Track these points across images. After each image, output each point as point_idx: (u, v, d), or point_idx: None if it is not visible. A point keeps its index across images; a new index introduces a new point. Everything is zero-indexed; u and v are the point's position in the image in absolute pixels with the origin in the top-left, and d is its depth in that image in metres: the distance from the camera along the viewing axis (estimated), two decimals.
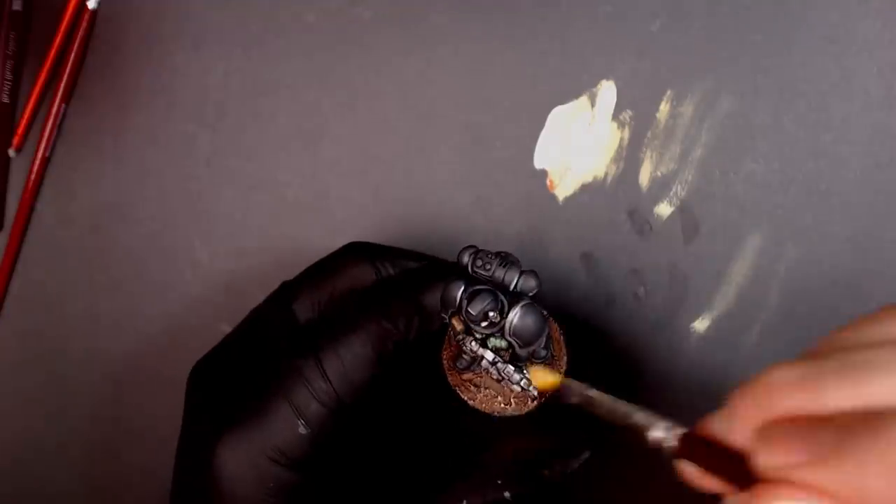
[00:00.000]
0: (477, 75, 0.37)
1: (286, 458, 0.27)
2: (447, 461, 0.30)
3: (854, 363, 0.19)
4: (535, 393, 0.28)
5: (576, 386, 0.25)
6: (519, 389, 0.27)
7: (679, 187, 0.36)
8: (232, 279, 0.40)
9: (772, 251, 0.35)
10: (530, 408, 0.28)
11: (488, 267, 0.26)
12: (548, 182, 0.37)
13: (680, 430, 0.22)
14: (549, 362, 0.29)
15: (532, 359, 0.28)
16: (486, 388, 0.29)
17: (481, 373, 0.29)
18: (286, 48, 0.39)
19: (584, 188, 0.37)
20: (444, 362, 0.29)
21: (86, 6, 0.40)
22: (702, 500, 0.22)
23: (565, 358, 0.29)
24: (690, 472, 0.22)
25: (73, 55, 0.40)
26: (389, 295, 0.29)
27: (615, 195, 0.36)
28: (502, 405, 0.28)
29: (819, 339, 0.21)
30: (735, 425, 0.20)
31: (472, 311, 0.25)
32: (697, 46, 0.36)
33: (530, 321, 0.26)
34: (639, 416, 0.23)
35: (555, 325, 0.30)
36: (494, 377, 0.28)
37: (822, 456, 0.18)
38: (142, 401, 0.41)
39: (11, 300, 0.41)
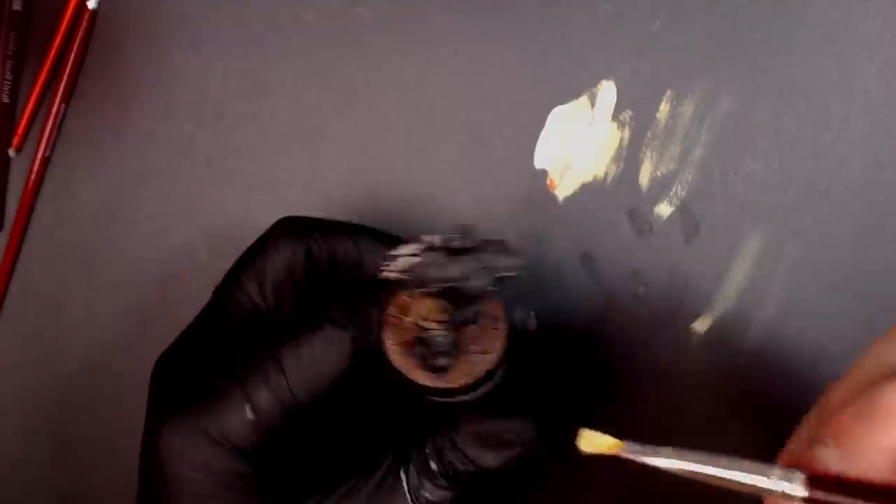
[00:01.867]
0: (477, 75, 0.37)
1: (230, 442, 0.26)
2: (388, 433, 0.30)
3: None
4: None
5: (642, 449, 0.21)
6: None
7: (679, 187, 0.36)
8: None
9: (772, 251, 0.35)
10: (455, 383, 0.27)
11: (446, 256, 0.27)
12: (548, 182, 0.37)
13: (798, 476, 0.19)
14: (475, 334, 0.28)
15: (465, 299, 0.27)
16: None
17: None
18: (286, 48, 0.39)
19: (584, 188, 0.37)
20: (391, 337, 0.28)
21: (86, 6, 0.40)
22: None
23: (499, 344, 0.28)
24: None
25: (73, 55, 0.40)
26: (356, 296, 0.29)
27: (615, 195, 0.36)
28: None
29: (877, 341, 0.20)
30: (862, 464, 0.19)
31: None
32: (697, 46, 0.36)
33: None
34: (743, 467, 0.20)
35: (496, 305, 0.29)
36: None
37: None
38: (142, 401, 0.40)
39: (11, 300, 0.41)
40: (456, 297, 0.27)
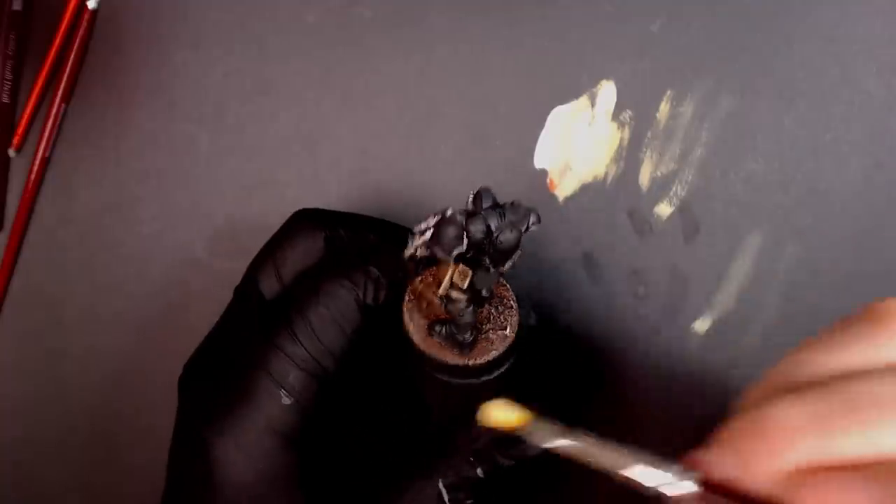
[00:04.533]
0: (477, 75, 0.37)
1: (276, 434, 0.27)
2: (423, 437, 0.30)
3: (859, 404, 0.19)
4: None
5: (548, 428, 0.21)
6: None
7: (679, 187, 0.36)
8: (232, 279, 0.40)
9: (772, 251, 0.35)
10: (466, 362, 0.28)
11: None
12: (548, 182, 0.37)
13: (690, 477, 0.20)
14: (489, 317, 0.29)
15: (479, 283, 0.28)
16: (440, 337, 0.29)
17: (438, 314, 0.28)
18: (286, 48, 0.39)
19: (584, 188, 0.37)
20: (410, 306, 0.29)
21: (86, 6, 0.40)
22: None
23: (515, 321, 0.29)
24: None
25: (73, 55, 0.40)
26: (347, 259, 0.29)
27: (615, 195, 0.36)
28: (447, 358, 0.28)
29: (789, 356, 0.21)
30: (747, 472, 0.19)
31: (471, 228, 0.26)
32: (697, 46, 0.36)
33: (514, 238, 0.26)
34: (640, 462, 0.20)
35: (506, 287, 0.29)
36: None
37: None
38: (142, 401, 0.40)
39: (11, 300, 0.41)
40: (476, 266, 0.27)
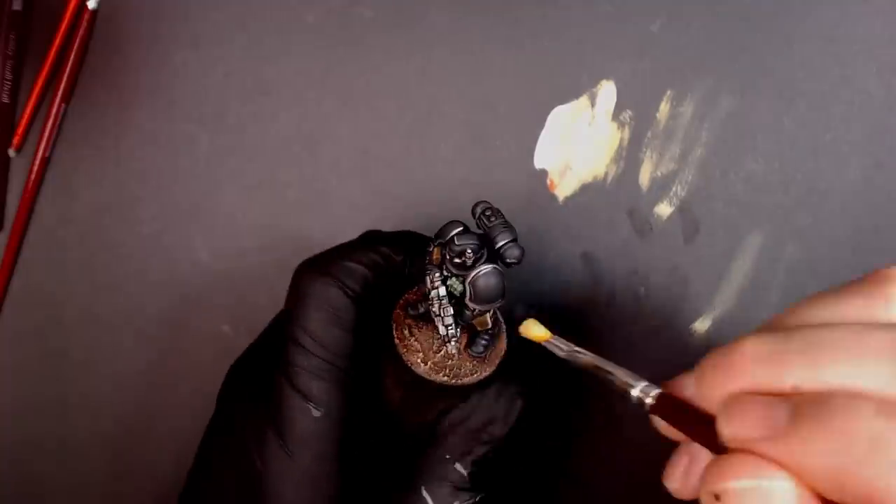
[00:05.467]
0: (477, 75, 0.37)
1: (314, 449, 0.28)
2: (401, 443, 0.31)
3: (815, 344, 0.20)
4: (454, 351, 0.29)
5: (562, 342, 0.27)
6: (443, 333, 0.29)
7: (679, 187, 0.36)
8: (232, 279, 0.40)
9: (772, 251, 0.36)
10: (437, 380, 0.29)
11: (492, 219, 0.28)
12: (548, 182, 0.37)
13: (656, 391, 0.23)
14: (486, 343, 0.30)
15: (471, 323, 0.29)
16: (415, 339, 0.30)
17: (420, 326, 0.30)
18: (286, 48, 0.39)
19: (584, 188, 0.37)
20: (401, 300, 0.31)
21: (86, 6, 0.40)
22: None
23: (502, 352, 0.30)
24: (665, 427, 0.23)
25: (73, 55, 0.40)
26: (319, 259, 0.30)
27: (615, 195, 0.36)
28: (419, 361, 0.29)
29: (791, 306, 0.22)
30: (705, 391, 0.21)
31: (456, 242, 0.27)
32: (697, 46, 0.36)
33: (493, 282, 0.27)
34: (620, 373, 0.24)
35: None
36: (434, 310, 0.29)
37: (776, 431, 0.19)
38: (141, 401, 0.41)
39: (11, 300, 0.41)
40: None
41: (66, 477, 0.41)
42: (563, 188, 0.37)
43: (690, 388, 0.22)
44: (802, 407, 0.19)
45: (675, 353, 0.36)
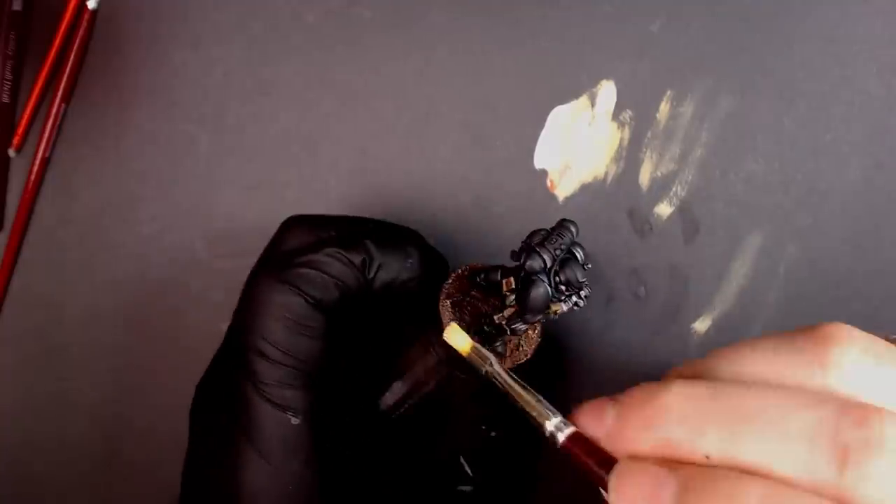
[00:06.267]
0: (477, 75, 0.37)
1: (296, 456, 0.27)
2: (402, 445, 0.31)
3: (739, 415, 0.19)
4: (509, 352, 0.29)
5: (485, 355, 0.25)
6: (582, 304, 0.28)
7: (679, 187, 0.36)
8: (232, 279, 0.40)
9: (772, 251, 0.35)
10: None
11: (561, 246, 0.27)
12: (548, 182, 0.37)
13: (570, 430, 0.22)
14: (518, 340, 0.30)
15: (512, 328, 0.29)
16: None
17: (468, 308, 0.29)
18: (286, 48, 0.39)
19: (584, 188, 0.37)
20: (449, 307, 0.29)
21: (86, 6, 0.40)
22: None
23: (534, 345, 0.30)
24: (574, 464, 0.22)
25: (73, 55, 0.40)
26: (274, 264, 0.29)
27: (615, 195, 0.36)
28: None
29: (726, 348, 0.22)
30: (620, 432, 0.21)
31: (581, 278, 0.27)
32: (697, 46, 0.36)
33: (583, 248, 0.28)
34: (537, 406, 0.23)
35: None
36: (507, 334, 0.28)
37: None
38: (142, 400, 0.40)
39: (11, 300, 0.41)
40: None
41: (66, 477, 0.41)
42: (563, 188, 0.37)
43: (608, 418, 0.22)
44: (689, 490, 0.18)
45: (675, 353, 0.36)
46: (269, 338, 0.28)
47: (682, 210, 0.36)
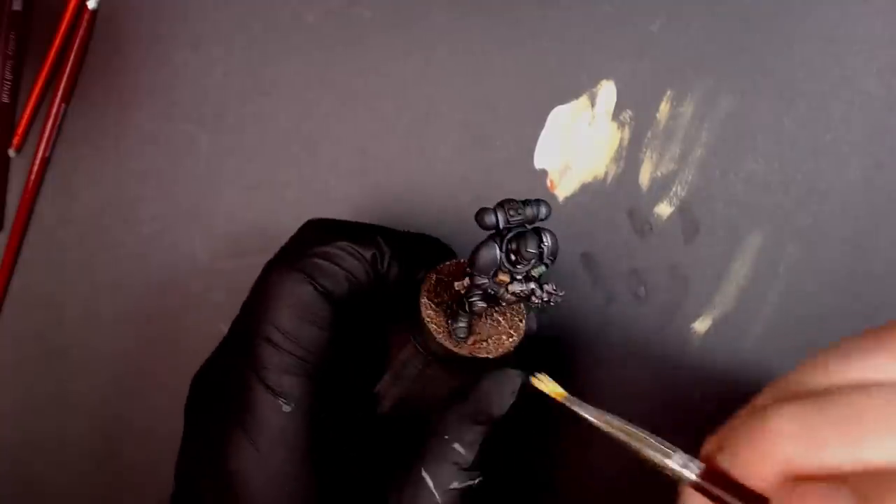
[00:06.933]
0: (477, 75, 0.37)
1: (286, 443, 0.27)
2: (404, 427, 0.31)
3: (852, 417, 0.19)
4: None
5: (580, 404, 0.25)
6: (543, 298, 0.28)
7: (679, 187, 0.36)
8: (232, 279, 0.40)
9: (772, 251, 0.35)
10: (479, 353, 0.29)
11: (519, 212, 0.27)
12: (548, 182, 0.37)
13: (700, 465, 0.21)
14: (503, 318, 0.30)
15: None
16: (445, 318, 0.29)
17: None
18: (286, 48, 0.39)
19: (584, 188, 0.37)
20: (431, 309, 0.30)
21: (86, 6, 0.40)
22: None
23: (518, 327, 0.30)
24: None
25: (73, 55, 0.40)
26: (290, 254, 0.30)
27: (615, 195, 0.36)
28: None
29: (810, 361, 0.21)
30: (741, 472, 0.20)
31: (531, 249, 0.26)
32: (697, 46, 0.36)
33: (555, 239, 0.27)
34: (654, 444, 0.22)
35: None
36: (537, 303, 0.28)
37: None
38: (142, 401, 0.41)
39: (11, 300, 0.41)
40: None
41: (65, 477, 0.41)
42: (563, 188, 0.37)
43: (723, 462, 0.21)
44: (869, 493, 0.18)
45: (675, 353, 0.36)
46: (277, 323, 0.28)
47: (682, 210, 0.36)
